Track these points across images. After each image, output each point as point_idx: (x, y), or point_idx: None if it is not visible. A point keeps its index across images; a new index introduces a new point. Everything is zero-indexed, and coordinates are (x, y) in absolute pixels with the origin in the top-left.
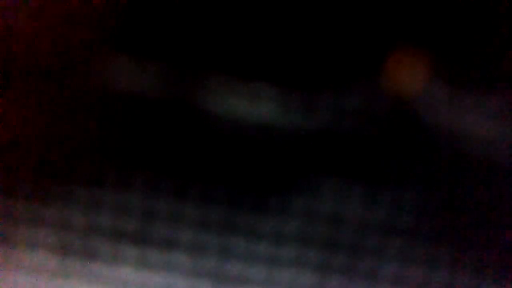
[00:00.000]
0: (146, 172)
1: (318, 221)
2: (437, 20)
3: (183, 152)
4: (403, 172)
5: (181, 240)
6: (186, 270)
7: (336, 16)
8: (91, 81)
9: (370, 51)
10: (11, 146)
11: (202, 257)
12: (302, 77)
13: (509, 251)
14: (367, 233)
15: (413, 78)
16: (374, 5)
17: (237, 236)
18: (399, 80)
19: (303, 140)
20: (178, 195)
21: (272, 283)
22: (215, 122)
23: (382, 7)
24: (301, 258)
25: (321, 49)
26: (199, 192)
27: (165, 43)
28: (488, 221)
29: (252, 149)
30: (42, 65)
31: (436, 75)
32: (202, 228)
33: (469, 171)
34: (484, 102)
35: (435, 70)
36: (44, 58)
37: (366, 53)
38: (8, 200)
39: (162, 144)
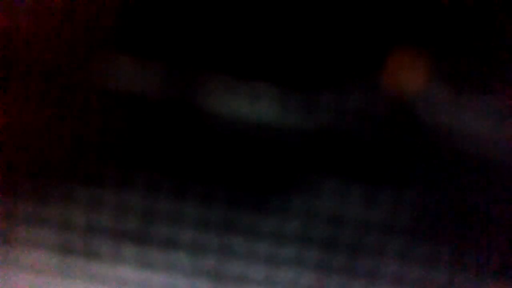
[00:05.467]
0: (146, 171)
1: (318, 221)
2: (437, 21)
3: (183, 152)
4: (402, 172)
5: (181, 240)
6: (186, 269)
7: (337, 17)
8: (92, 81)
9: (370, 52)
10: (11, 146)
11: (202, 257)
12: (303, 78)
13: (509, 251)
14: (366, 233)
15: (412, 78)
16: (374, 6)
17: (237, 236)
18: (399, 80)
19: (303, 140)
20: (179, 195)
21: (272, 283)
22: (214, 122)
23: (382, 8)
24: (301, 257)
25: (321, 50)
26: (199, 192)
27: (165, 44)
28: (488, 221)
29: (252, 149)
30: (42, 65)
31: (436, 76)
32: (202, 228)
33: (469, 171)
34: (484, 102)
35: (435, 71)
36: (44, 58)
37: (366, 54)
38: (8, 200)
39: (162, 144)
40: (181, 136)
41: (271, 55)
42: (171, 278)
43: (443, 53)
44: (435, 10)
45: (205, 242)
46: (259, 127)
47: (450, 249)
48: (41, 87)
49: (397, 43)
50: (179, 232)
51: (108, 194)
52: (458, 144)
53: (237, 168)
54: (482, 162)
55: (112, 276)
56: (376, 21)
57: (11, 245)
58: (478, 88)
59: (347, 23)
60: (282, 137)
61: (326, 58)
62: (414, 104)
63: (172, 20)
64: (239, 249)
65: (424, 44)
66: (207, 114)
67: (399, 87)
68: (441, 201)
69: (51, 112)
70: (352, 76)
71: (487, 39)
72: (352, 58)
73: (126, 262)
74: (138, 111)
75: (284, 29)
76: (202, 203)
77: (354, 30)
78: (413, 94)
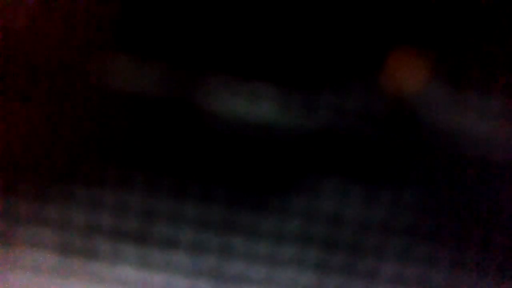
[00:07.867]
0: (147, 171)
1: (317, 221)
2: (437, 21)
3: (184, 152)
4: (402, 172)
5: (181, 240)
6: (186, 269)
7: (337, 17)
8: (92, 81)
9: (370, 52)
10: (11, 146)
11: (202, 257)
12: (302, 77)
13: (509, 251)
14: (366, 232)
15: (412, 78)
16: (374, 6)
17: (237, 236)
18: (399, 80)
19: (303, 140)
20: (179, 194)
21: (272, 283)
22: (214, 121)
23: (382, 8)
24: (301, 257)
25: (321, 50)
26: (199, 192)
27: (165, 44)
28: (488, 221)
29: (251, 148)
30: (42, 65)
31: (435, 76)
32: (202, 228)
33: (468, 171)
34: (484, 102)
35: (435, 71)
36: (45, 58)
37: (366, 54)
38: (8, 200)
39: (162, 144)
40: (182, 136)
41: (271, 55)
42: (171, 278)
43: (443, 53)
44: (434, 10)
45: (205, 242)
46: (258, 127)
47: (450, 249)
48: (40, 87)
49: (396, 43)
50: (179, 232)
51: (108, 194)
52: (458, 144)
53: (237, 168)
54: (482, 162)
55: (112, 276)
56: (375, 21)
57: (11, 245)
58: (478, 88)
59: (347, 23)
60: (282, 137)
61: (326, 58)
62: (413, 103)
63: (172, 20)
64: (239, 249)
65: (424, 44)
66: (207, 113)
67: (398, 87)
68: (440, 201)
69: (51, 112)
70: (351, 76)
71: (487, 39)
72: (351, 58)
73: (126, 262)
74: (138, 111)
75: (284, 29)
76: (202, 203)
77: (354, 30)
78: (412, 94)
